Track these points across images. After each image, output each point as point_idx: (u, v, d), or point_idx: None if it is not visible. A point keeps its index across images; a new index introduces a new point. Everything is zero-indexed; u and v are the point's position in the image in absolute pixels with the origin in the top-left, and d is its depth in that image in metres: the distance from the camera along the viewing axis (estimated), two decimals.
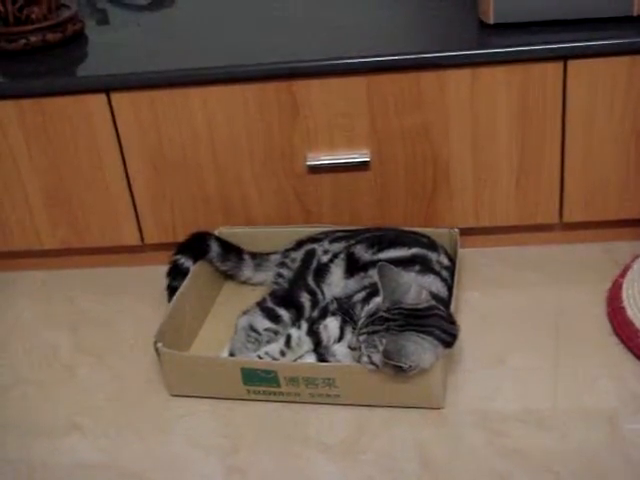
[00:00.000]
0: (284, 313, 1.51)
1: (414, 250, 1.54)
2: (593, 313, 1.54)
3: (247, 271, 1.68)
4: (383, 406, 1.38)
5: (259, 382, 1.39)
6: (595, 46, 1.51)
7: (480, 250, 1.73)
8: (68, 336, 1.66)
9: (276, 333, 1.49)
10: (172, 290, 1.60)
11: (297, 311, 1.51)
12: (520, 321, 1.55)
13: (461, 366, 1.45)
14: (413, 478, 1.26)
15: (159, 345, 1.41)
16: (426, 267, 1.50)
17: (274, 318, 1.50)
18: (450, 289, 1.49)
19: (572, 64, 1.53)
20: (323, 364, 1.40)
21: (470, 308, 1.58)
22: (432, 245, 1.57)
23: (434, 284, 1.47)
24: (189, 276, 1.60)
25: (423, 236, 1.60)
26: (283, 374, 1.37)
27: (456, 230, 1.63)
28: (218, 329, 1.60)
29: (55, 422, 1.45)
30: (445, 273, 1.52)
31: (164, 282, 1.65)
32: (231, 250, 1.67)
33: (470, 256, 1.68)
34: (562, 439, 1.29)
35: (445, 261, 1.55)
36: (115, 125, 1.65)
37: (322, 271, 1.56)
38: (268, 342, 1.47)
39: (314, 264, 1.57)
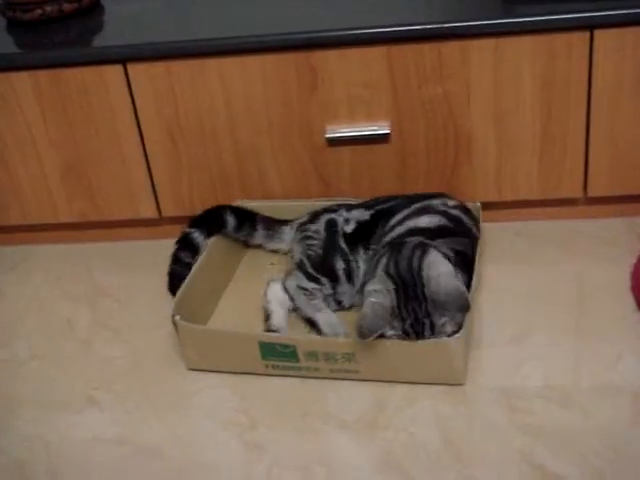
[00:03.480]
0: (322, 278, 1.52)
1: (417, 205, 1.55)
2: (617, 289, 1.52)
3: (259, 239, 1.67)
4: (403, 382, 1.37)
5: (278, 357, 1.38)
6: (622, 15, 1.48)
7: (502, 225, 1.70)
8: (85, 310, 1.66)
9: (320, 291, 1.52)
10: (176, 260, 1.60)
11: (332, 278, 1.53)
12: (543, 297, 1.53)
13: (483, 342, 1.44)
14: (434, 455, 1.25)
15: (177, 318, 1.40)
16: (425, 210, 1.52)
17: (316, 280, 1.52)
18: (462, 224, 1.52)
19: (598, 34, 1.50)
20: (342, 339, 1.38)
21: (492, 283, 1.56)
22: (437, 195, 1.58)
23: (430, 220, 1.49)
24: (206, 249, 1.59)
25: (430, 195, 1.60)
26: (302, 349, 1.36)
27: (478, 204, 1.61)
28: (236, 303, 1.60)
29: (72, 397, 1.44)
30: (454, 211, 1.53)
31: None
32: (245, 221, 1.65)
33: (492, 231, 1.66)
34: (585, 417, 1.28)
35: (451, 202, 1.56)
36: (132, 96, 1.64)
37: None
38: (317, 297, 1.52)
39: (340, 232, 1.57)
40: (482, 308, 1.50)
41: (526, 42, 1.52)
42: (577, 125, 1.59)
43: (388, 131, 1.61)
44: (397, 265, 1.36)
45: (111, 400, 1.42)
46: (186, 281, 1.49)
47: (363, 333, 1.29)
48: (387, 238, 1.49)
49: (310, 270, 1.53)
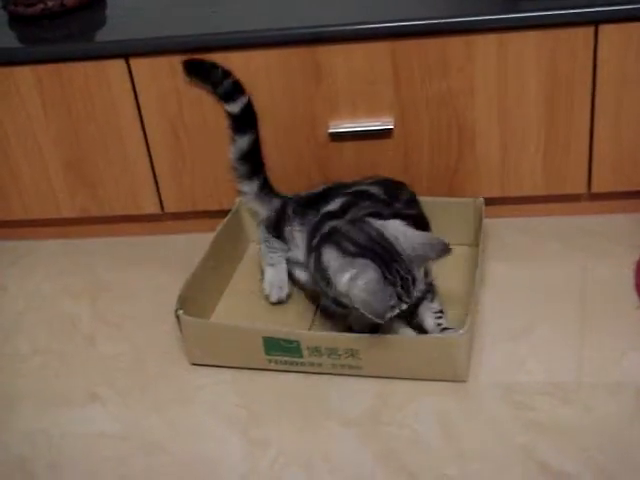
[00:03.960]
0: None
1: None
2: (620, 285, 1.51)
3: (249, 189, 1.66)
4: (406, 378, 1.36)
5: (281, 352, 1.37)
6: (627, 10, 1.47)
7: (506, 220, 1.70)
8: (88, 306, 1.65)
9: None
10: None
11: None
12: (546, 293, 1.52)
13: (485, 339, 1.43)
14: (436, 451, 1.24)
15: (180, 312, 1.40)
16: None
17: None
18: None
19: (603, 29, 1.49)
20: (346, 334, 1.38)
21: (495, 279, 1.56)
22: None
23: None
24: (210, 244, 1.58)
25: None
26: (305, 344, 1.35)
27: (481, 199, 1.60)
28: (239, 298, 1.59)
29: (74, 392, 1.44)
30: (363, 187, 1.54)
31: (184, 251, 1.64)
32: (252, 163, 1.63)
33: (496, 226, 1.66)
34: (588, 413, 1.27)
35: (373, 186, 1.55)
36: (134, 91, 1.63)
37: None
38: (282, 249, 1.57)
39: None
40: (485, 304, 1.50)
41: (530, 37, 1.51)
42: (581, 121, 1.58)
43: (392, 126, 1.61)
44: (354, 242, 1.33)
45: (113, 395, 1.42)
46: (189, 276, 1.48)
47: (379, 314, 1.26)
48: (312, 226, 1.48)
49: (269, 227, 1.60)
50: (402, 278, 1.29)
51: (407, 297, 1.30)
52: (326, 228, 1.40)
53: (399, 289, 1.29)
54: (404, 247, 1.31)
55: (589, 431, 1.24)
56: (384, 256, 1.30)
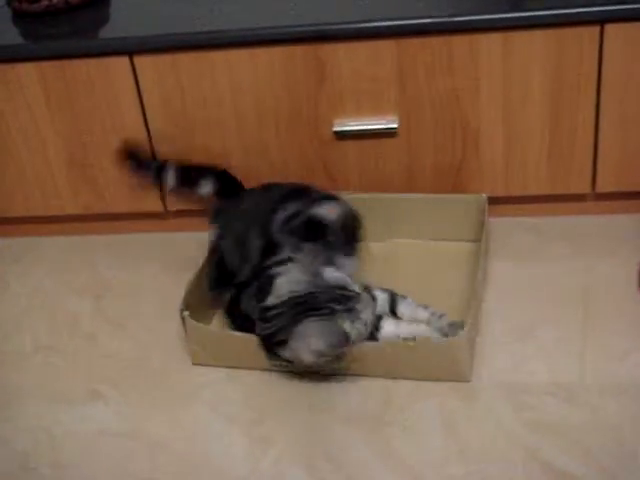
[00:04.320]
0: None
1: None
2: (624, 285, 1.51)
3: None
4: (409, 379, 1.36)
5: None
6: (633, 10, 1.47)
7: (510, 220, 1.69)
8: (90, 303, 1.65)
9: None
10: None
11: None
12: (550, 293, 1.52)
13: (489, 338, 1.43)
14: (440, 451, 1.24)
15: (186, 314, 1.39)
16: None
17: None
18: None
19: (609, 28, 1.49)
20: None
21: (499, 279, 1.56)
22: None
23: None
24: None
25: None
26: None
27: (484, 196, 1.60)
28: None
29: (76, 390, 1.44)
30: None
31: (187, 249, 1.64)
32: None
33: (500, 226, 1.65)
34: (592, 413, 1.27)
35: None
36: (138, 88, 1.63)
37: None
38: None
39: None
40: (489, 303, 1.50)
41: (536, 36, 1.51)
42: (586, 121, 1.57)
43: (396, 125, 1.60)
44: (280, 329, 1.31)
45: (115, 393, 1.42)
46: (193, 276, 1.48)
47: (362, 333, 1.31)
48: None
49: None
50: (333, 299, 1.29)
51: (352, 302, 1.31)
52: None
53: (341, 306, 1.29)
54: (307, 274, 1.33)
55: (593, 431, 1.24)
56: (303, 305, 1.29)
